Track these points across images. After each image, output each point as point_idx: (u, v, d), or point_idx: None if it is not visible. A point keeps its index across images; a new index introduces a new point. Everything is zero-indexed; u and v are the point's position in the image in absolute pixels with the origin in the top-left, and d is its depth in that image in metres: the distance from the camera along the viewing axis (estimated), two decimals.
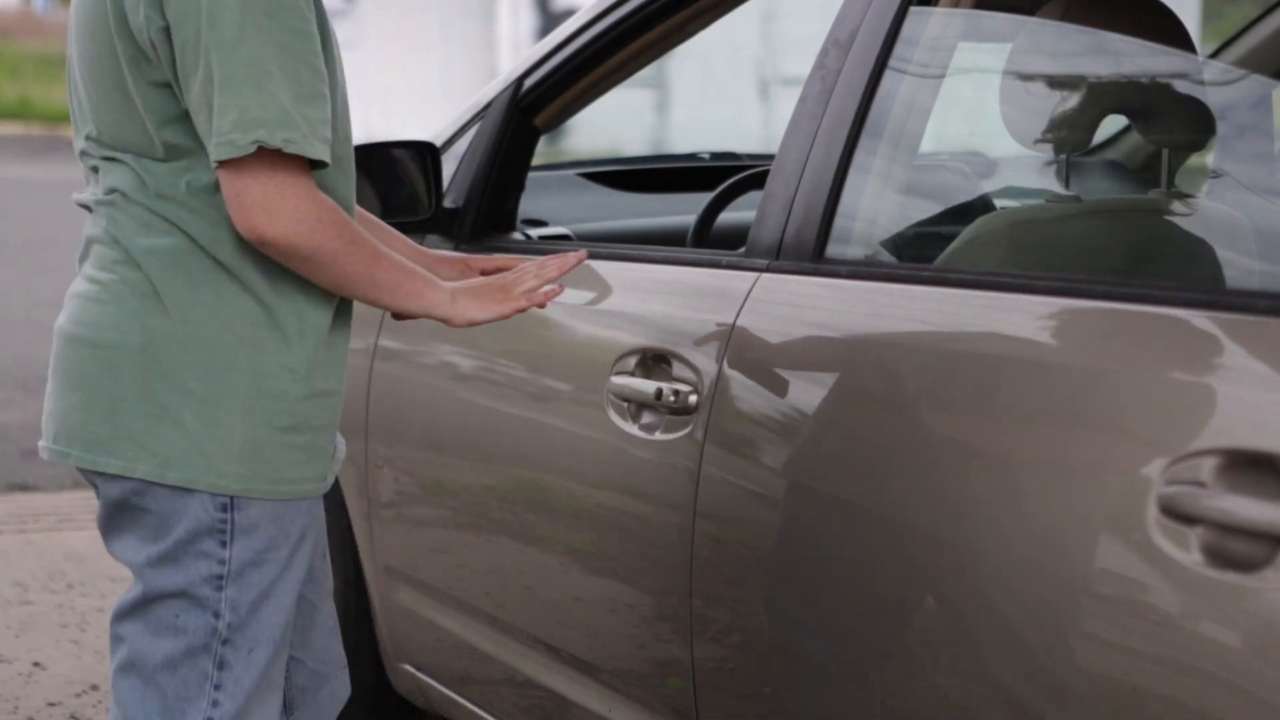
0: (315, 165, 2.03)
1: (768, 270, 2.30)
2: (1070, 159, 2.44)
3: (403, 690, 3.20)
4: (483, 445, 2.82)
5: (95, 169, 2.13)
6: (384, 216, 2.64)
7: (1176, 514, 1.69)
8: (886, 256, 2.35)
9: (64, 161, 14.83)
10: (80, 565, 4.72)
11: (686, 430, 2.33)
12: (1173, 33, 2.39)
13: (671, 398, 2.34)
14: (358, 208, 2.30)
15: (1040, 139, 2.48)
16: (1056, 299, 1.93)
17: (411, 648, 3.11)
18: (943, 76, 2.36)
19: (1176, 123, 2.42)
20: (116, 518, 2.14)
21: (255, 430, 2.08)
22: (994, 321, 2.00)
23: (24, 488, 5.65)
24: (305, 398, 2.11)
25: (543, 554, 2.70)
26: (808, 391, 2.19)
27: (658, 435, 2.38)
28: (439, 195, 2.97)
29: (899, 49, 2.27)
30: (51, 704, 3.75)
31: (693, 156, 4.16)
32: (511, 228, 3.03)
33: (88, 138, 2.13)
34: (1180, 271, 2.28)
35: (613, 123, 13.95)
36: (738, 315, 2.30)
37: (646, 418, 2.42)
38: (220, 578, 2.09)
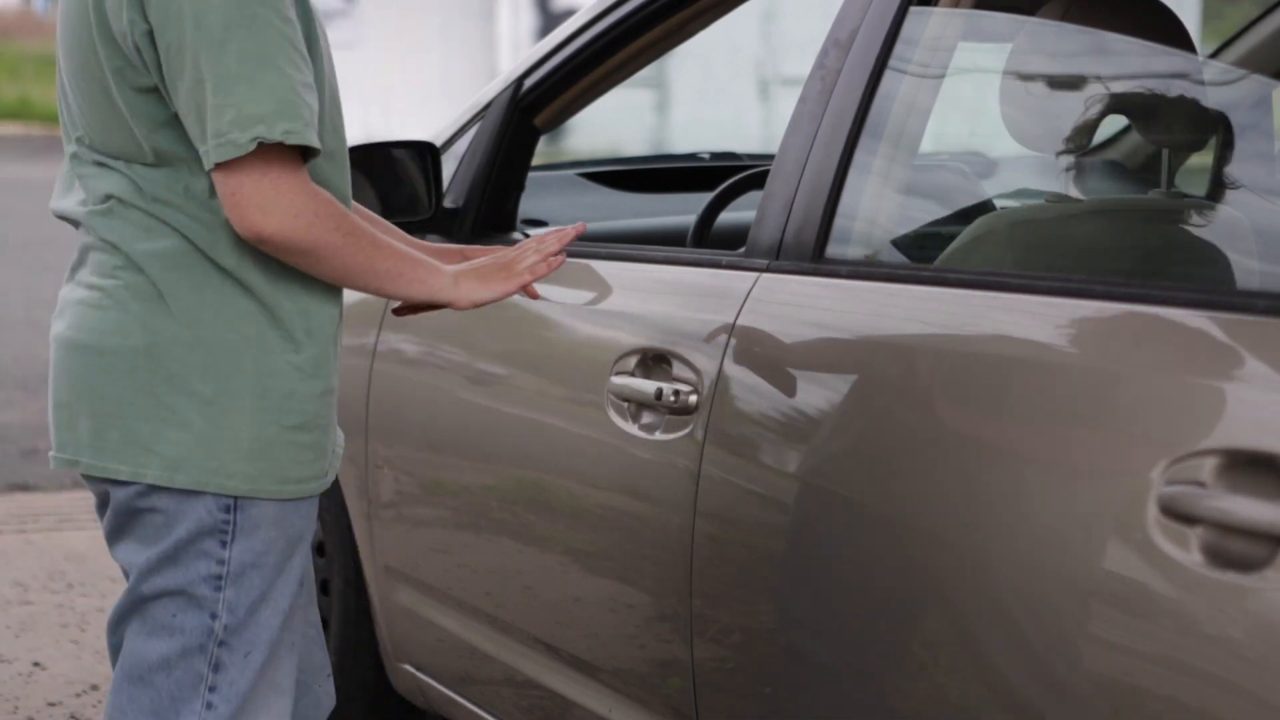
0: (309, 155, 2.02)
1: (768, 270, 2.30)
2: (1070, 159, 2.44)
3: (403, 690, 3.20)
4: (483, 445, 2.82)
5: (86, 177, 2.11)
6: (384, 216, 2.64)
7: (1176, 514, 1.69)
8: (886, 256, 2.35)
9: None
10: (80, 565, 4.72)
11: (686, 430, 2.33)
12: (1173, 33, 2.39)
13: (671, 398, 2.34)
14: (355, 204, 2.29)
15: (1040, 139, 2.48)
16: (1057, 299, 1.93)
17: (411, 648, 3.11)
18: (943, 76, 2.36)
19: (1176, 123, 2.42)
20: (123, 522, 2.13)
21: (263, 430, 2.08)
22: (994, 322, 2.00)
23: (24, 488, 5.65)
24: (313, 396, 2.11)
25: (543, 554, 2.70)
26: (808, 391, 2.19)
27: (658, 435, 2.38)
28: (439, 195, 2.97)
29: (899, 49, 2.27)
30: (51, 704, 3.75)
31: (693, 156, 4.16)
32: (511, 228, 3.04)
33: (78, 142, 2.12)
34: (1180, 271, 2.28)
35: (613, 123, 13.95)
36: (738, 315, 2.30)
37: (646, 418, 2.42)
38: (219, 578, 2.09)
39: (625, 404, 2.45)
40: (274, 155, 1.97)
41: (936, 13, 2.34)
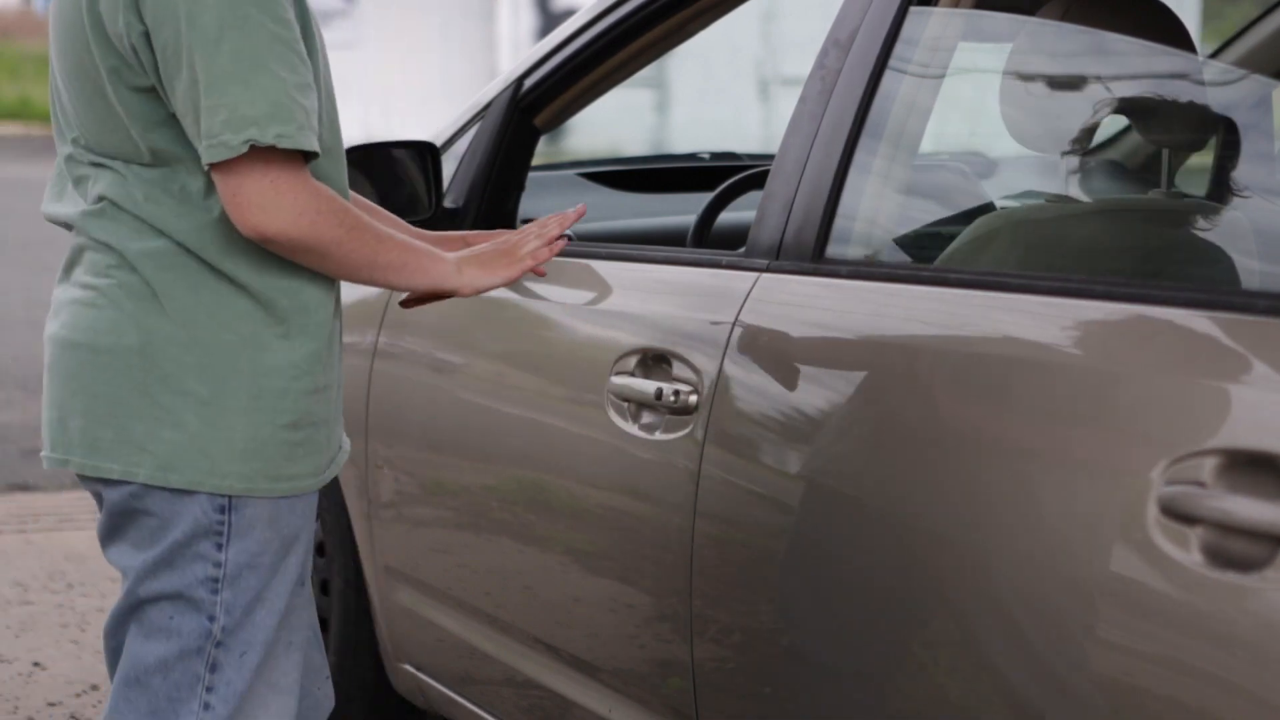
0: (309, 157, 2.02)
1: (768, 270, 2.30)
2: (1070, 159, 2.44)
3: (403, 690, 3.20)
4: (483, 445, 2.82)
5: (81, 178, 2.11)
6: None
7: (1176, 514, 1.69)
8: (886, 256, 2.35)
9: None
10: (80, 565, 4.72)
11: (686, 430, 2.33)
12: (1173, 33, 2.39)
13: (671, 398, 2.34)
14: (355, 195, 2.29)
15: (1040, 139, 2.48)
16: (1056, 299, 1.93)
17: (411, 648, 3.11)
18: (943, 76, 2.36)
19: (1176, 123, 2.42)
20: (117, 523, 2.12)
21: (258, 430, 2.07)
22: (994, 321, 2.00)
23: (24, 488, 5.65)
24: (306, 393, 2.11)
25: (543, 554, 2.70)
26: (808, 391, 2.19)
27: (658, 435, 2.38)
28: (439, 195, 2.97)
29: (899, 49, 2.27)
30: (51, 704, 3.75)
31: (693, 156, 4.16)
32: (511, 228, 3.04)
33: (74, 143, 2.11)
34: (1180, 271, 2.28)
35: (613, 123, 13.95)
36: (738, 315, 2.30)
37: (646, 418, 2.42)
38: (216, 580, 2.08)
39: (625, 404, 2.45)
40: (273, 156, 1.97)
41: (936, 13, 2.34)
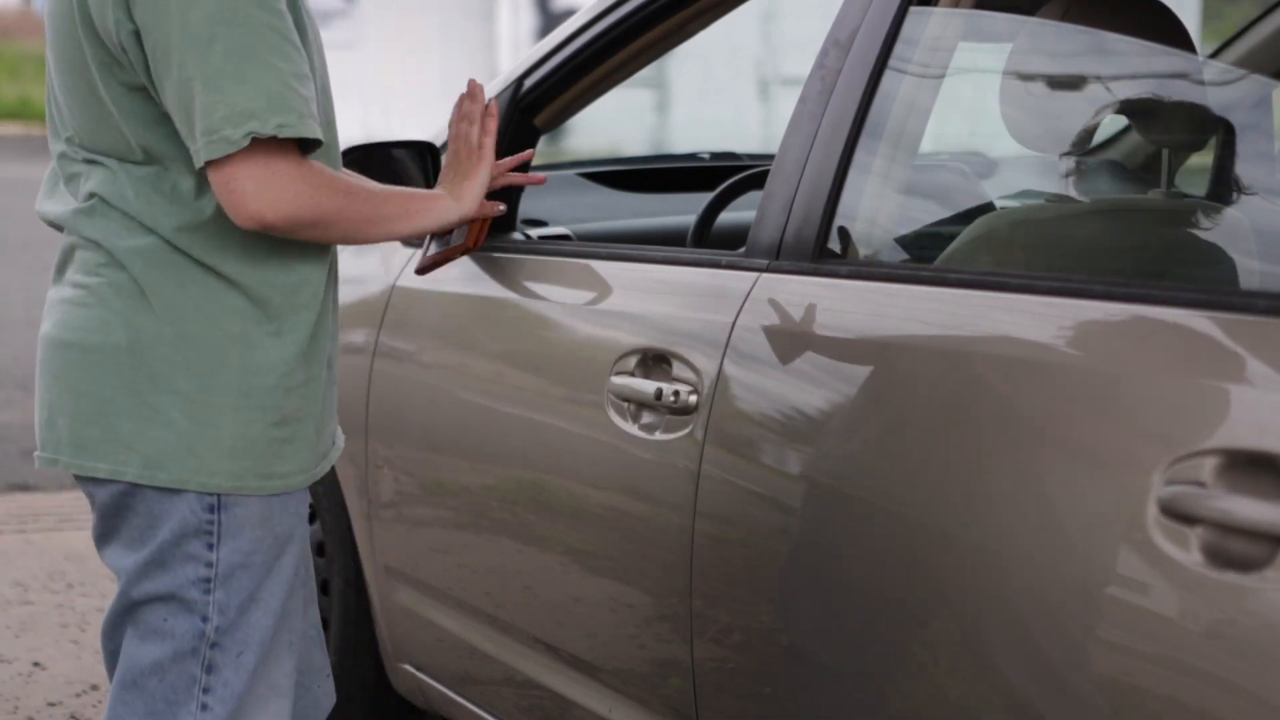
0: (309, 147, 2.01)
1: (768, 270, 2.30)
2: (1070, 159, 2.44)
3: (403, 690, 3.20)
4: (483, 445, 2.82)
5: (74, 175, 2.10)
6: None
7: (1176, 514, 1.69)
8: (886, 256, 2.35)
9: None
10: (80, 565, 4.72)
11: (686, 430, 2.33)
12: (1173, 33, 2.39)
13: (671, 398, 2.34)
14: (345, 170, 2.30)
15: (1040, 139, 2.48)
16: (1056, 299, 1.93)
17: (411, 648, 3.11)
18: (943, 76, 2.36)
19: (1176, 123, 2.42)
20: (109, 523, 2.12)
21: (247, 428, 2.07)
22: (994, 321, 2.00)
23: (24, 488, 5.65)
24: (296, 389, 2.10)
25: (543, 554, 2.70)
26: (808, 391, 2.19)
27: (658, 435, 2.38)
28: None
29: (899, 49, 2.27)
30: (51, 704, 3.75)
31: (693, 156, 4.16)
32: (511, 228, 3.03)
33: (68, 141, 2.11)
34: (1180, 272, 2.28)
35: (613, 123, 13.95)
36: (738, 315, 2.29)
37: (646, 418, 2.42)
38: (208, 580, 2.08)
39: (625, 404, 2.45)
40: (271, 147, 1.96)
41: (936, 13, 2.34)
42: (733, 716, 2.32)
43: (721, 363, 2.29)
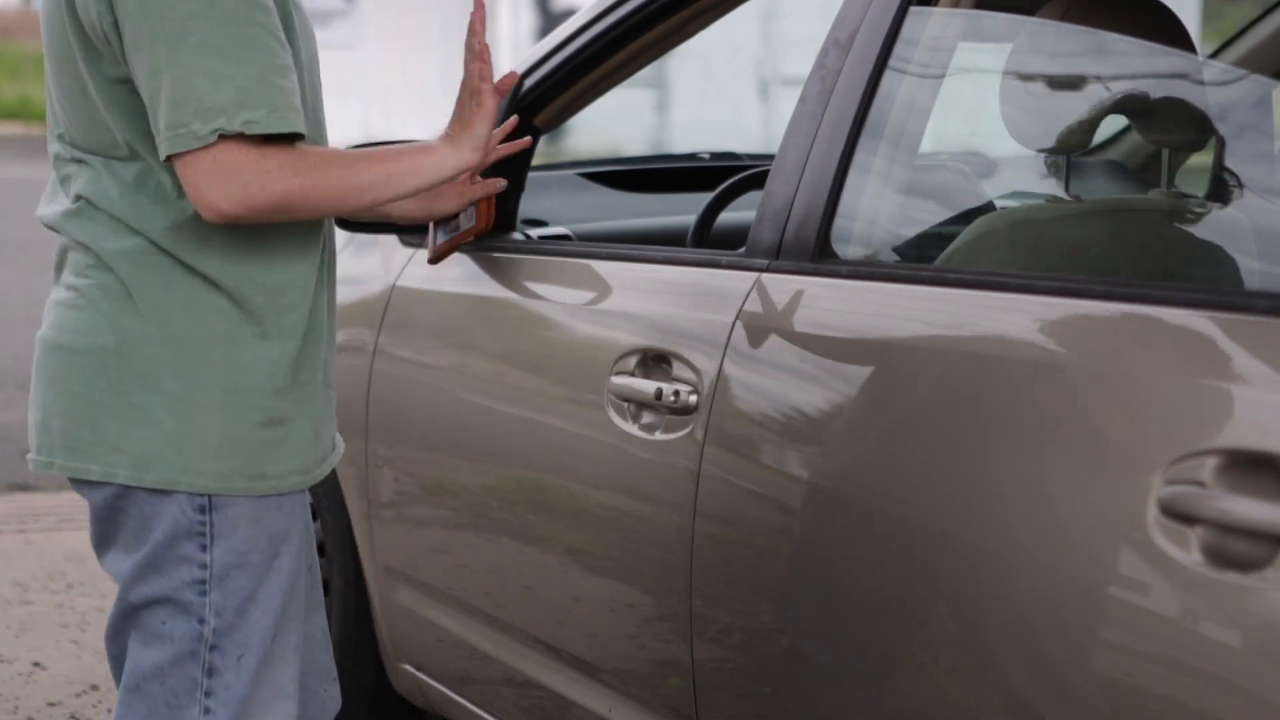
0: (294, 138, 1.98)
1: (768, 270, 2.30)
2: (1070, 159, 2.44)
3: (403, 690, 3.20)
4: (483, 445, 2.82)
5: (65, 176, 2.10)
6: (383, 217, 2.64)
7: (1176, 514, 1.69)
8: (886, 256, 2.35)
9: None
10: (80, 565, 4.72)
11: (686, 430, 2.33)
12: (1173, 33, 2.39)
13: (671, 398, 2.34)
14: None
15: (1040, 139, 2.48)
16: (1056, 299, 1.93)
17: (411, 648, 3.11)
18: (943, 76, 2.36)
19: (1176, 123, 2.42)
20: (105, 527, 2.12)
21: (234, 427, 2.05)
22: (993, 321, 2.00)
23: (24, 488, 5.65)
24: (285, 390, 2.09)
25: (543, 554, 2.70)
26: (808, 391, 2.19)
27: (658, 435, 2.38)
28: None
29: (899, 49, 2.27)
30: (51, 704, 3.75)
31: (693, 156, 4.16)
32: (511, 228, 3.03)
33: (59, 139, 2.10)
34: (1180, 272, 2.28)
35: (613, 123, 13.95)
36: (738, 315, 2.30)
37: (646, 418, 2.42)
38: (203, 582, 2.07)
39: (625, 404, 2.45)
40: (232, 141, 1.93)
41: (936, 13, 2.34)
42: (733, 716, 2.32)
43: (721, 363, 2.29)
